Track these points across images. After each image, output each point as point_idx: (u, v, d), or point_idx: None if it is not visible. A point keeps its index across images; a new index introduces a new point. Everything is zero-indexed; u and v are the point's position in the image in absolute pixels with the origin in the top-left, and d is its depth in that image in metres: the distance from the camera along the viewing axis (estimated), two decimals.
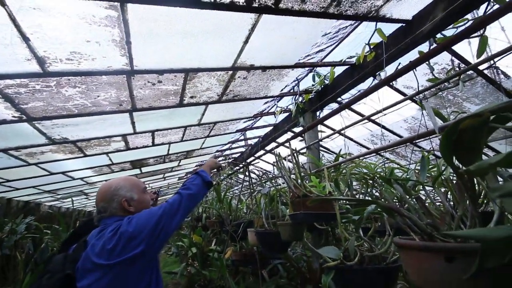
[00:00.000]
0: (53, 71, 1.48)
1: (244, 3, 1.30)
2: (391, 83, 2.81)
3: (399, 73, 1.88)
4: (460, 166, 0.73)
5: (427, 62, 2.05)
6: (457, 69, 2.02)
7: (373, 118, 3.15)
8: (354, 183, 2.58)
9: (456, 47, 2.13)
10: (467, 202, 0.85)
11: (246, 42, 1.70)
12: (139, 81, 1.83)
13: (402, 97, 2.33)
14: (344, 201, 2.03)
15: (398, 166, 2.41)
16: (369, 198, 1.86)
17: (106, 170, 4.09)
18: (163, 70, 1.78)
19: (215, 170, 1.66)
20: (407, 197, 0.96)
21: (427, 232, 0.81)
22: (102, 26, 1.26)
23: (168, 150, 3.97)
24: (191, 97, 2.33)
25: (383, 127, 3.60)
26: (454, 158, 0.68)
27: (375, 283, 1.09)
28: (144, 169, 4.87)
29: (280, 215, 2.20)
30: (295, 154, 1.84)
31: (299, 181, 1.72)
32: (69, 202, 5.76)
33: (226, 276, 2.35)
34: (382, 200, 1.51)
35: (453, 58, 2.18)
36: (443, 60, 2.33)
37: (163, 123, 2.82)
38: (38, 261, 2.47)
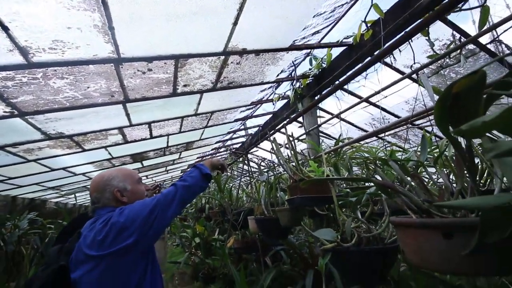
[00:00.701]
0: (38, 62, 1.44)
1: None
2: (390, 63, 2.72)
3: (394, 45, 1.79)
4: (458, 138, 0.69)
5: (426, 38, 1.95)
6: (458, 43, 1.93)
7: (373, 100, 3.07)
8: (355, 168, 2.53)
9: (459, 22, 2.04)
10: (467, 176, 0.80)
11: (235, 23, 1.63)
12: (128, 69, 1.78)
13: (401, 77, 2.25)
14: (344, 185, 2.00)
15: (400, 149, 2.35)
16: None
17: (107, 164, 4.10)
18: (151, 57, 1.72)
19: (218, 170, 1.61)
20: (404, 176, 0.91)
21: (424, 208, 0.77)
22: (81, 10, 1.20)
23: (167, 142, 3.95)
24: (185, 85, 2.28)
25: (384, 109, 3.52)
26: (449, 127, 0.63)
27: (372, 264, 1.06)
28: (145, 163, 4.87)
29: (280, 202, 2.18)
30: (291, 140, 1.80)
31: (297, 167, 1.69)
32: (81, 197, 5.83)
33: (228, 264, 2.36)
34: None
35: (454, 32, 2.08)
36: (443, 35, 2.23)
37: (158, 114, 2.78)
38: (44, 255, 2.51)
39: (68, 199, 6.17)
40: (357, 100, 3.43)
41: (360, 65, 2.54)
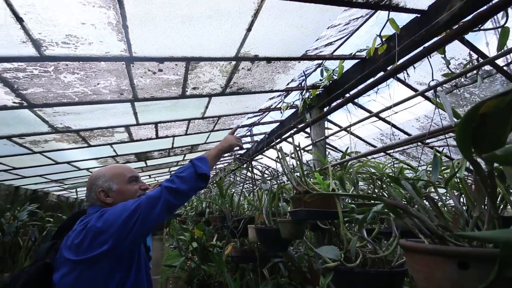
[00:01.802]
0: (50, 55, 1.44)
1: None
2: (403, 79, 2.67)
3: (411, 61, 1.76)
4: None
5: (442, 56, 1.91)
6: (475, 62, 1.88)
7: (383, 115, 3.02)
8: (361, 183, 2.47)
9: (476, 42, 2.00)
10: (485, 203, 0.75)
11: (249, 29, 1.62)
12: (139, 69, 1.78)
13: (413, 93, 2.20)
14: (349, 201, 1.94)
15: (408, 166, 2.28)
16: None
17: (111, 161, 4.10)
18: (163, 58, 1.72)
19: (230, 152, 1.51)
20: (417, 196, 0.86)
21: (438, 234, 0.72)
22: (97, 7, 1.20)
23: (173, 143, 3.95)
24: (194, 88, 2.27)
25: (394, 125, 3.46)
26: (472, 150, 0.59)
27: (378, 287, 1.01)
28: (149, 162, 4.87)
29: (281, 213, 2.12)
30: (297, 150, 1.76)
31: (302, 178, 1.64)
32: (83, 191, 5.86)
33: (224, 272, 2.30)
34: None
35: (471, 52, 2.04)
36: (460, 54, 2.19)
37: (166, 115, 2.78)
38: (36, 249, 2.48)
39: (70, 193, 6.19)
40: (367, 114, 3.39)
41: (372, 79, 2.50)
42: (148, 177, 6.58)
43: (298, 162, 1.76)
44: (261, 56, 2.00)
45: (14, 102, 1.84)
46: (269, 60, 2.10)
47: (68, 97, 1.92)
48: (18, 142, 2.53)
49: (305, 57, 2.27)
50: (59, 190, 5.47)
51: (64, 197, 6.21)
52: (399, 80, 2.67)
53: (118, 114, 2.43)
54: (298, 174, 1.77)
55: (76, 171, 4.20)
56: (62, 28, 1.29)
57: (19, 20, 1.19)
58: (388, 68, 2.29)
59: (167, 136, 3.53)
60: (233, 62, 2.01)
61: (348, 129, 2.56)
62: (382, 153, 3.98)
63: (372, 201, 1.28)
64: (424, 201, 0.92)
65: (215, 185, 5.29)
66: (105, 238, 0.91)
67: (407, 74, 2.53)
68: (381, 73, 2.44)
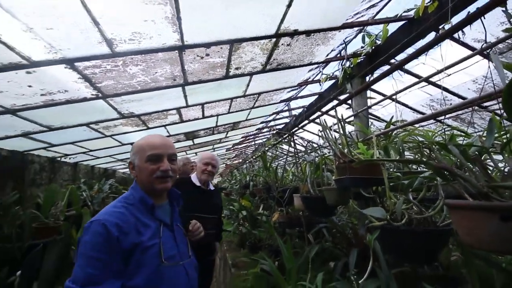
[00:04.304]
0: (119, 51, 1.68)
1: None
2: (457, 37, 2.43)
3: (465, 22, 1.62)
4: None
5: (503, 9, 1.71)
6: None
7: (434, 79, 2.81)
8: (408, 153, 2.42)
9: None
10: None
11: (289, 5, 1.65)
12: (189, 55, 1.96)
13: (470, 53, 2.02)
14: (394, 169, 1.96)
15: (461, 133, 2.17)
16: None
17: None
18: (210, 43, 1.86)
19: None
20: (463, 160, 0.91)
21: (482, 191, 0.78)
22: (156, 4, 1.37)
23: (217, 122, 4.22)
24: (236, 68, 2.40)
25: (446, 89, 3.20)
26: None
27: (422, 245, 1.09)
28: (196, 141, 5.29)
29: (325, 182, 2.24)
30: (341, 122, 1.81)
31: (345, 149, 1.72)
32: None
33: (274, 236, 2.56)
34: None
35: None
36: None
37: (211, 96, 2.99)
38: None
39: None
40: (413, 79, 3.17)
41: (422, 42, 2.34)
42: (194, 154, 7.14)
43: (342, 134, 1.82)
44: (301, 30, 2.01)
45: (92, 94, 2.19)
46: (308, 33, 2.10)
47: (132, 87, 2.21)
48: (94, 128, 3.01)
49: (346, 26, 2.21)
50: (123, 168, 6.32)
51: (127, 173, 7.15)
52: (453, 39, 2.44)
53: (172, 98, 2.70)
54: (340, 145, 1.84)
55: None
56: (129, 27, 1.50)
57: (96, 24, 1.42)
58: (440, 27, 2.11)
59: (211, 116, 3.79)
60: (274, 39, 2.06)
61: (394, 97, 2.48)
62: (432, 121, 3.73)
63: (415, 167, 1.32)
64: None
65: (257, 160, 5.56)
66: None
67: (463, 32, 2.31)
68: (432, 34, 2.26)
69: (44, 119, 2.47)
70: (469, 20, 1.63)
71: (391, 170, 1.98)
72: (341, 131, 1.84)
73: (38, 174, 3.49)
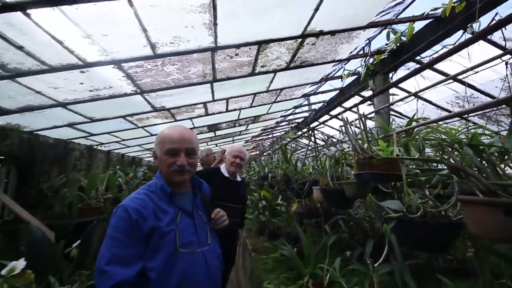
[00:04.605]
0: (160, 53, 1.87)
1: None
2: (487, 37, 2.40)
3: (497, 25, 1.64)
4: None
5: None
6: None
7: (460, 76, 2.79)
8: (429, 150, 2.46)
9: None
10: None
11: (316, 9, 1.75)
12: (220, 55, 2.12)
13: (498, 51, 2.02)
14: (412, 167, 2.04)
15: (486, 131, 2.19)
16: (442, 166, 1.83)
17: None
18: (240, 44, 2.01)
19: None
20: (476, 160, 1.01)
21: (491, 189, 0.88)
22: (197, 13, 1.52)
23: (239, 115, 4.39)
24: (262, 66, 2.53)
25: (472, 87, 3.15)
26: None
27: (434, 236, 1.20)
28: (218, 133, 5.51)
29: (345, 176, 2.35)
30: (362, 119, 1.91)
31: (365, 145, 1.82)
32: None
33: (293, 224, 2.72)
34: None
35: None
36: None
37: (236, 91, 3.14)
38: None
39: None
40: (438, 75, 3.14)
41: (447, 39, 2.35)
42: (215, 145, 7.41)
43: (362, 131, 1.92)
44: (326, 30, 2.10)
45: (131, 90, 2.42)
46: (333, 33, 2.18)
47: (167, 83, 2.41)
48: (129, 120, 3.28)
49: (371, 25, 2.26)
50: (149, 157, 6.72)
51: (152, 162, 7.59)
52: (483, 38, 2.41)
53: (200, 94, 2.89)
54: (360, 141, 1.94)
55: None
56: (171, 32, 1.68)
57: (144, 30, 1.61)
58: (470, 26, 2.11)
59: (234, 109, 3.96)
60: (299, 40, 2.17)
61: (417, 94, 2.51)
62: (457, 118, 3.67)
63: (435, 165, 1.41)
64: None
65: (275, 152, 5.70)
66: None
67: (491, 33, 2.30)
68: (459, 32, 2.26)
69: (88, 111, 2.75)
70: (504, 23, 1.65)
71: (410, 167, 2.05)
72: (362, 128, 1.93)
73: (78, 160, 3.86)
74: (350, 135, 1.98)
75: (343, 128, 2.11)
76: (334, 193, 2.25)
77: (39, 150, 3.07)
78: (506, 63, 1.08)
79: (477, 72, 2.34)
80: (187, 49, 1.88)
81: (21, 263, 1.25)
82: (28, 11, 1.25)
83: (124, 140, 4.29)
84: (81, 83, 2.09)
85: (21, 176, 2.94)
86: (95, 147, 4.26)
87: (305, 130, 4.22)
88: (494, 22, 1.88)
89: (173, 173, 1.09)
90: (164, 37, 1.71)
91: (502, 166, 1.18)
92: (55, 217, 2.48)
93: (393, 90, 3.69)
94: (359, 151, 1.86)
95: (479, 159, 1.05)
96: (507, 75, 1.10)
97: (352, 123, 2.11)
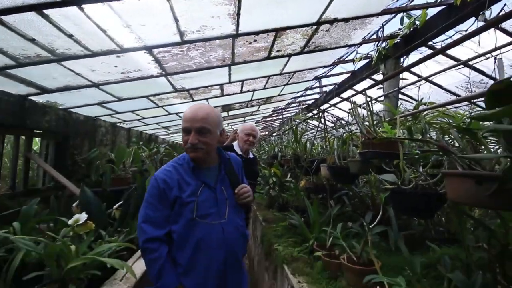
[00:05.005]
0: (187, 40, 2.07)
1: None
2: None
3: (508, 15, 1.74)
4: None
5: None
6: None
7: (470, 62, 2.87)
8: (434, 133, 2.62)
9: None
10: None
11: None
12: (240, 41, 2.29)
13: (508, 39, 2.11)
14: (414, 148, 2.23)
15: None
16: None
17: None
18: (259, 31, 2.17)
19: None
20: (460, 140, 1.21)
21: (466, 163, 1.09)
22: (223, 4, 1.70)
23: (252, 96, 4.58)
24: (278, 51, 2.69)
25: (482, 72, 3.21)
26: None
27: (423, 205, 1.44)
28: (231, 113, 5.73)
29: (351, 155, 2.57)
30: (369, 103, 2.09)
31: (371, 127, 2.01)
32: (177, 136, 7.47)
33: (301, 198, 3.01)
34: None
35: None
36: None
37: (251, 74, 3.32)
38: None
39: (171, 137, 7.89)
40: (450, 60, 3.21)
41: (465, 28, 2.42)
42: (227, 125, 7.66)
43: (369, 114, 2.11)
44: (340, 17, 2.22)
45: (157, 73, 2.64)
46: (347, 20, 2.30)
47: (189, 67, 2.62)
48: (151, 99, 3.53)
49: (385, 12, 2.36)
50: (165, 134, 7.06)
51: (167, 140, 7.96)
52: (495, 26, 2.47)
53: (218, 76, 3.09)
54: (367, 123, 2.14)
55: (179, 120, 5.37)
56: (199, 21, 1.86)
57: (176, 20, 1.80)
58: (482, 13, 2.19)
59: (248, 91, 4.14)
60: (314, 27, 2.30)
61: (427, 78, 2.63)
62: (466, 103, 3.75)
63: (431, 146, 1.61)
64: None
65: (285, 133, 5.92)
66: None
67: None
68: (473, 21, 2.34)
69: (117, 91, 3.00)
70: None
71: (412, 148, 2.25)
72: (369, 112, 2.12)
73: (104, 136, 4.19)
74: (358, 117, 2.18)
75: (351, 110, 2.30)
76: (339, 170, 2.49)
77: (72, 126, 3.39)
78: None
79: (488, 58, 2.45)
80: (211, 36, 2.07)
81: (83, 216, 1.57)
82: (83, 5, 1.47)
83: (144, 118, 4.58)
84: (115, 66, 2.32)
85: (58, 149, 3.29)
86: (118, 124, 4.57)
87: (315, 112, 4.38)
88: (503, 12, 1.96)
89: (188, 149, 1.19)
90: (192, 26, 1.90)
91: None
92: (92, 185, 2.83)
93: (403, 75, 3.77)
94: (364, 132, 2.07)
95: (472, 140, 1.25)
96: None
97: (360, 106, 2.29)
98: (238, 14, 1.82)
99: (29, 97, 2.60)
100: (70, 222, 1.60)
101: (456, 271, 1.23)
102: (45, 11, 1.47)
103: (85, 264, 1.41)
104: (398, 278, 1.27)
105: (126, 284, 1.54)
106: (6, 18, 1.50)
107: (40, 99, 2.74)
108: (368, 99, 2.16)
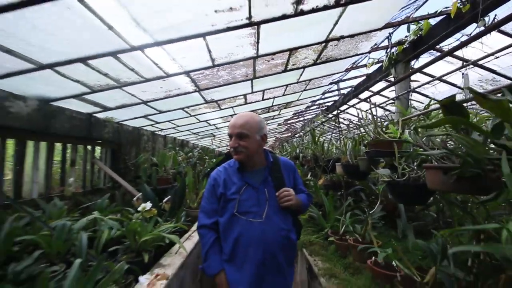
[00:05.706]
0: (217, 64, 2.55)
1: (334, 3, 1.88)
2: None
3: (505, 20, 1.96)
4: None
5: None
6: None
7: (481, 62, 3.04)
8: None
9: None
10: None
11: (335, 24, 2.25)
12: (259, 61, 2.73)
13: (509, 40, 2.29)
14: (414, 146, 2.49)
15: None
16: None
17: (229, 119, 5.59)
18: (275, 52, 2.59)
19: None
20: (438, 140, 1.52)
21: (437, 158, 1.41)
22: (246, 37, 2.15)
23: (272, 102, 4.99)
24: (293, 64, 3.08)
25: (493, 71, 3.33)
26: None
27: (413, 193, 1.74)
28: None
29: (361, 154, 2.88)
30: (372, 109, 2.41)
31: (376, 130, 2.33)
32: (205, 140, 8.12)
33: (319, 194, 3.35)
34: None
35: None
36: None
37: (271, 84, 3.74)
38: (200, 175, 4.14)
39: (199, 142, 8.57)
40: (457, 61, 3.37)
41: (469, 32, 2.62)
42: None
43: (374, 118, 2.43)
44: (346, 35, 2.57)
45: (192, 89, 3.17)
46: (352, 36, 2.64)
47: (218, 83, 3.11)
48: (186, 110, 4.10)
49: (387, 26, 2.66)
50: (194, 140, 7.74)
51: (196, 144, 8.65)
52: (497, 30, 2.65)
53: (242, 88, 3.56)
54: (372, 126, 2.45)
55: (207, 126, 5.95)
56: (226, 50, 2.33)
57: (209, 51, 2.29)
58: (482, 19, 2.41)
59: (269, 98, 4.57)
60: (323, 44, 2.67)
61: (435, 78, 2.86)
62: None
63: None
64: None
65: (306, 134, 6.24)
66: None
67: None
68: (478, 28, 2.56)
69: (159, 106, 3.59)
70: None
71: (415, 147, 2.51)
72: (373, 116, 2.44)
73: (146, 143, 4.86)
74: (364, 121, 2.50)
75: (362, 114, 2.62)
76: (352, 167, 2.82)
77: (123, 136, 4.07)
78: None
79: (498, 57, 2.67)
80: (236, 59, 2.53)
81: (148, 204, 2.10)
82: (145, 50, 2.00)
83: (178, 126, 5.20)
84: (161, 87, 2.88)
85: (113, 155, 3.97)
86: (157, 132, 5.24)
87: (330, 116, 4.67)
88: (495, 21, 2.18)
89: (232, 152, 1.36)
90: (221, 53, 2.38)
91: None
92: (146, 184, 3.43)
93: (416, 76, 3.96)
94: (370, 135, 2.39)
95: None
96: None
97: (366, 111, 2.61)
98: (258, 42, 2.26)
99: (94, 114, 3.26)
100: (139, 208, 2.13)
101: (432, 243, 1.54)
102: (118, 55, 2.03)
103: (152, 239, 1.93)
104: (388, 249, 1.61)
105: (179, 256, 2.03)
106: (91, 61, 2.08)
107: (101, 115, 3.40)
108: (373, 104, 2.49)
